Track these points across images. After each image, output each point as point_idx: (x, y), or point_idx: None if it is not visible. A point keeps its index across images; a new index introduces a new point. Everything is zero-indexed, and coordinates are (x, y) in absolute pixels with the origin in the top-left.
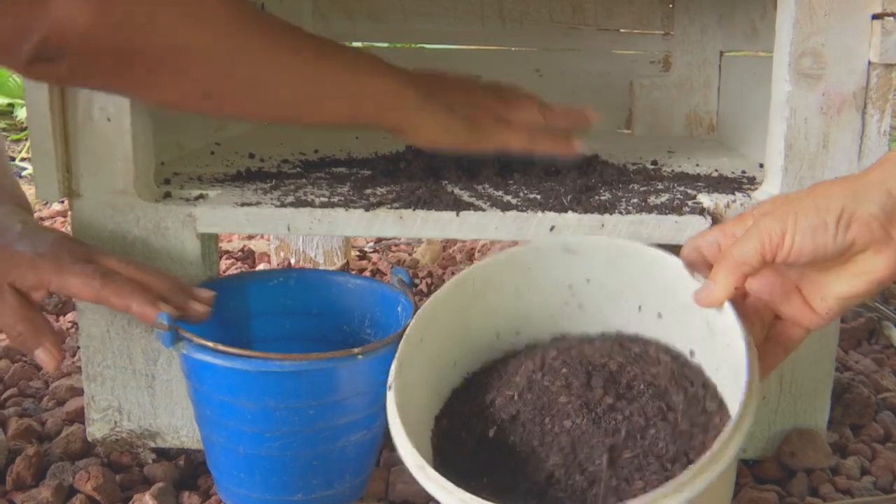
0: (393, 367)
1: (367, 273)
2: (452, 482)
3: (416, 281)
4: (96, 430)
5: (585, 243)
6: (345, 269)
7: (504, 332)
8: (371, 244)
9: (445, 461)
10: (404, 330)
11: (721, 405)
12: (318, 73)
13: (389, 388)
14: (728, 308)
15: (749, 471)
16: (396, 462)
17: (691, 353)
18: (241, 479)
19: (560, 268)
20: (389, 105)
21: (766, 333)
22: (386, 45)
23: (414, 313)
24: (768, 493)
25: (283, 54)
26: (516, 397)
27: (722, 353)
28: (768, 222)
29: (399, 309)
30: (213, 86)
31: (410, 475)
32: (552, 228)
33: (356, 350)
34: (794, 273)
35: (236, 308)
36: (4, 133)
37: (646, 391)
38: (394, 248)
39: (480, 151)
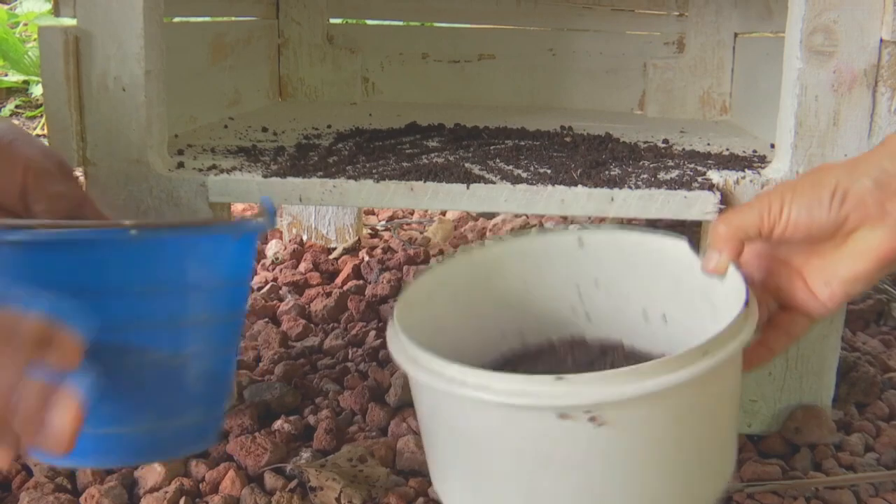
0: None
1: (378, 251)
2: None
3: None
4: None
5: (597, 238)
6: (356, 246)
7: (509, 332)
8: (383, 222)
9: None
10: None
11: None
12: None
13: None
14: (733, 270)
15: (753, 445)
16: (404, 433)
17: None
18: None
19: (570, 263)
20: None
21: (771, 321)
22: (400, 23)
23: (266, 237)
24: (772, 466)
25: None
26: None
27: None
28: (768, 196)
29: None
30: None
31: (417, 444)
32: (562, 202)
33: (128, 222)
34: (797, 259)
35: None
36: (20, 110)
37: None
38: (405, 227)
39: None
